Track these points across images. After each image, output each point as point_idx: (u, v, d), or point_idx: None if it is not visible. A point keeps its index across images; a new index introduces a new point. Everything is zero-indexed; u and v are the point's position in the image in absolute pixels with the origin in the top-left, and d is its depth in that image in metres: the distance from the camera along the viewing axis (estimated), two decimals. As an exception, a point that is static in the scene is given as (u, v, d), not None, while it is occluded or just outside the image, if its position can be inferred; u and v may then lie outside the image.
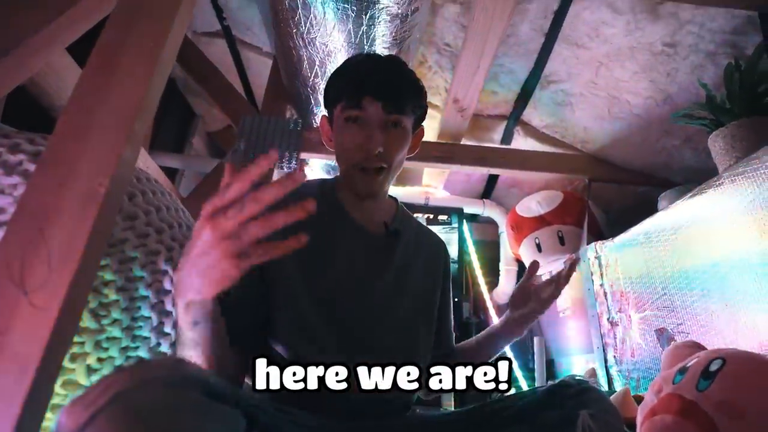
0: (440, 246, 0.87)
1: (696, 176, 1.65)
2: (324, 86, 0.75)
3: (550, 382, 0.64)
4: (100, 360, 0.69)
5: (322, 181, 0.80)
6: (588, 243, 1.73)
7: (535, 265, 0.80)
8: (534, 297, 0.78)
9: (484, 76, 1.72)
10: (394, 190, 2.56)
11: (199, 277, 0.41)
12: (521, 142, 2.15)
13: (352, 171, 0.71)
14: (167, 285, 0.79)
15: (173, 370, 0.37)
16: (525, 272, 0.82)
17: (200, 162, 2.44)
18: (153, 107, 0.73)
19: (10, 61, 0.83)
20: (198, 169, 2.43)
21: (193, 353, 0.50)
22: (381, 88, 0.68)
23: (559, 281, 0.77)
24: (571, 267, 0.78)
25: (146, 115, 0.71)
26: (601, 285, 1.60)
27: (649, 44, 1.46)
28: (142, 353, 0.73)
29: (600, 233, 1.97)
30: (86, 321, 0.68)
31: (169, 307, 0.78)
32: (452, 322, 0.87)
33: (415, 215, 2.69)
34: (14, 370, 0.52)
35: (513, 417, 0.61)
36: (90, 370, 0.68)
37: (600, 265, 1.62)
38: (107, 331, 0.70)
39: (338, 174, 0.79)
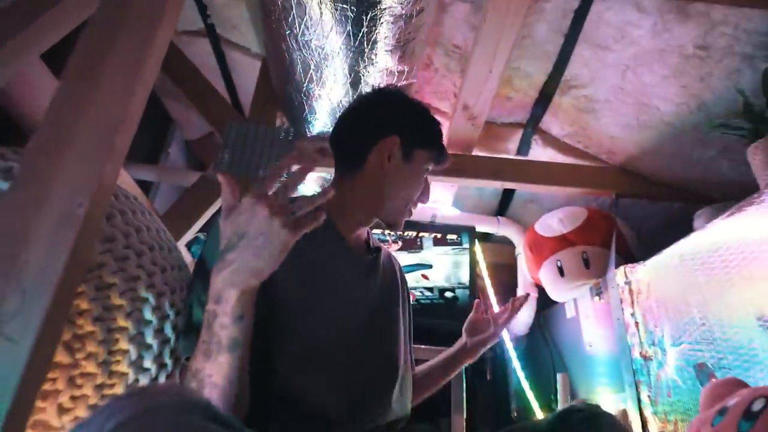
0: (396, 259, 1.07)
1: (736, 191, 1.68)
2: (401, 112, 0.94)
3: (559, 408, 0.74)
4: (73, 398, 0.71)
5: None
6: (616, 266, 1.76)
7: (477, 305, 1.14)
8: (491, 323, 1.08)
9: (497, 81, 1.78)
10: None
11: (256, 256, 0.51)
12: (540, 153, 2.19)
13: (403, 209, 0.91)
14: (147, 314, 0.81)
15: (178, 395, 0.41)
16: (473, 309, 1.14)
17: (178, 174, 2.49)
18: (136, 120, 0.77)
19: (-20, 69, 0.88)
20: (175, 182, 2.48)
21: (230, 357, 0.54)
22: None
23: (511, 311, 1.09)
24: (524, 298, 1.12)
25: (128, 128, 0.75)
26: (632, 314, 1.62)
27: (680, 46, 1.52)
28: (119, 391, 0.75)
29: (630, 255, 1.99)
30: (59, 355, 0.70)
31: (149, 339, 0.80)
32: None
33: (420, 234, 2.71)
34: (-17, 409, 0.55)
35: None
36: (62, 410, 0.70)
37: (630, 291, 1.65)
38: (81, 366, 0.72)
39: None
